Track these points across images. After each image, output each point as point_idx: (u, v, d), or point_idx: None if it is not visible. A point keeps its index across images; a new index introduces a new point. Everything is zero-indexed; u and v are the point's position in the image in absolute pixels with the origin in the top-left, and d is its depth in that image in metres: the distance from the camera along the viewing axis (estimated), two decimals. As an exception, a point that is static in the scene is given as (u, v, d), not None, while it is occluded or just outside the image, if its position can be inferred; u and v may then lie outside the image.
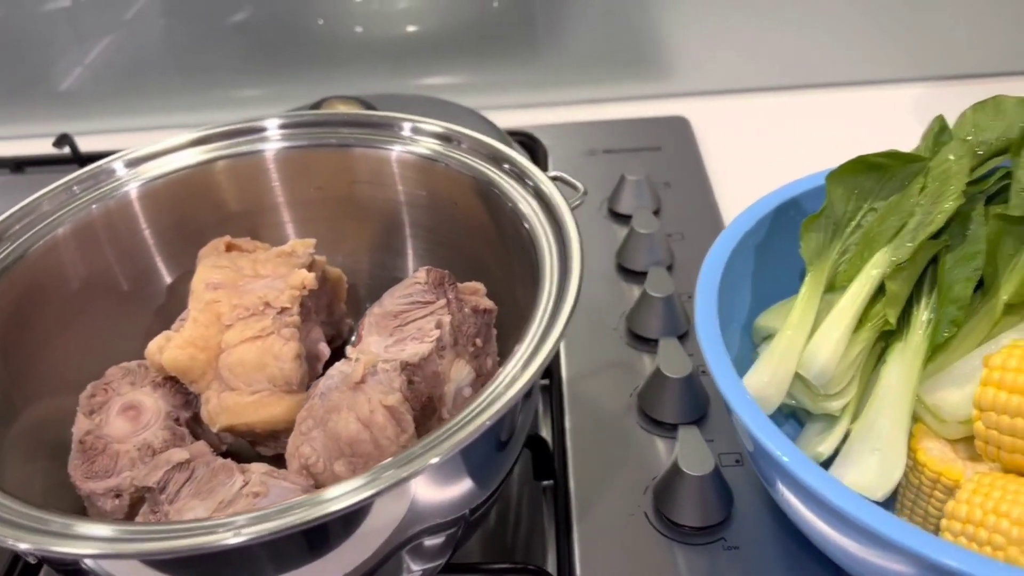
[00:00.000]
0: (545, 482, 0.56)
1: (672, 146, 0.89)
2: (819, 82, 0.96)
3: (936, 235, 0.50)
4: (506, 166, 0.50)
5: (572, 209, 0.52)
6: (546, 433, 0.59)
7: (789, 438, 0.42)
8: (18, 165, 0.92)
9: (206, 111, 0.96)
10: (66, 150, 0.89)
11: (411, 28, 0.95)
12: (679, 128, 0.91)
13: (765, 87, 0.97)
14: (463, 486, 0.42)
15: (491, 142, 0.51)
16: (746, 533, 0.52)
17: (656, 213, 0.78)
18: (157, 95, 0.98)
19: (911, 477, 0.48)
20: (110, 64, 0.96)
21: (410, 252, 0.56)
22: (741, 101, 0.96)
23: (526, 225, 0.47)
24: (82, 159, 0.88)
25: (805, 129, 0.91)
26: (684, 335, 0.64)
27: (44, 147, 0.90)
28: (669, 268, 0.71)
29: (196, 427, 0.50)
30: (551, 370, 0.63)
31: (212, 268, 0.50)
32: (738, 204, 0.56)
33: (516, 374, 0.39)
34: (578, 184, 0.54)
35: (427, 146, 0.53)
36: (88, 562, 0.38)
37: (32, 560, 0.46)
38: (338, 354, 0.50)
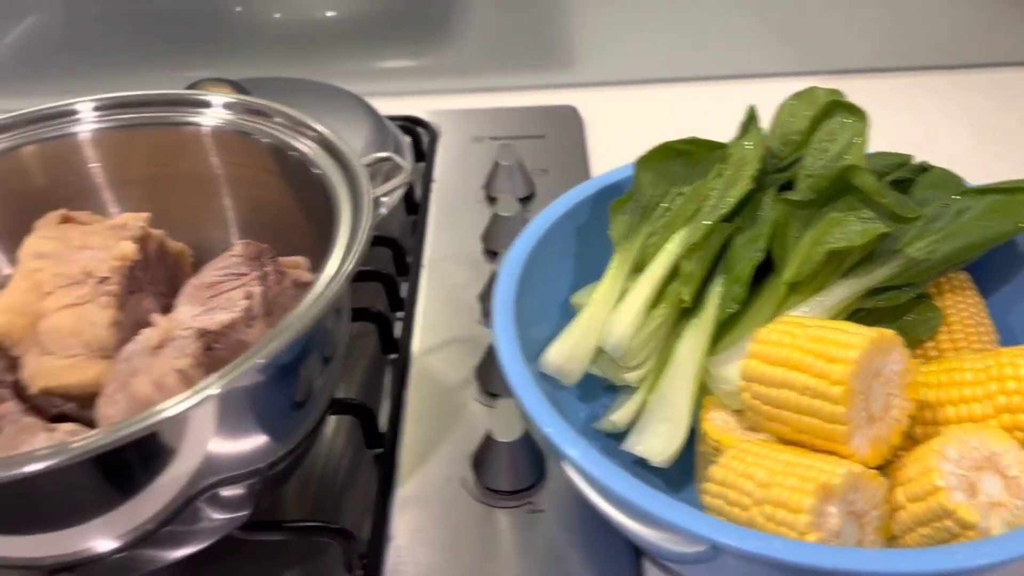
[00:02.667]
0: (376, 451, 0.59)
1: (557, 134, 0.91)
2: (710, 75, 0.99)
3: (730, 218, 0.53)
4: (312, 135, 0.52)
5: (400, 187, 0.55)
6: (386, 404, 0.61)
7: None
8: None
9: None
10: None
11: (327, 14, 0.97)
12: (567, 117, 0.94)
13: (658, 79, 1.00)
14: (254, 439, 0.45)
15: (298, 115, 0.53)
16: (553, 498, 0.54)
17: (529, 198, 0.81)
18: (62, 79, 0.99)
19: (702, 446, 0.51)
20: (14, 46, 0.98)
21: (234, 226, 0.58)
22: (633, 92, 0.99)
23: (330, 191, 0.50)
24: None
25: (693, 120, 0.92)
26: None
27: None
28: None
29: (23, 390, 0.52)
30: (400, 344, 0.66)
31: (41, 239, 0.52)
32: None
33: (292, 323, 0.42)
34: (404, 163, 0.56)
35: (241, 121, 0.55)
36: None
37: None
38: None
